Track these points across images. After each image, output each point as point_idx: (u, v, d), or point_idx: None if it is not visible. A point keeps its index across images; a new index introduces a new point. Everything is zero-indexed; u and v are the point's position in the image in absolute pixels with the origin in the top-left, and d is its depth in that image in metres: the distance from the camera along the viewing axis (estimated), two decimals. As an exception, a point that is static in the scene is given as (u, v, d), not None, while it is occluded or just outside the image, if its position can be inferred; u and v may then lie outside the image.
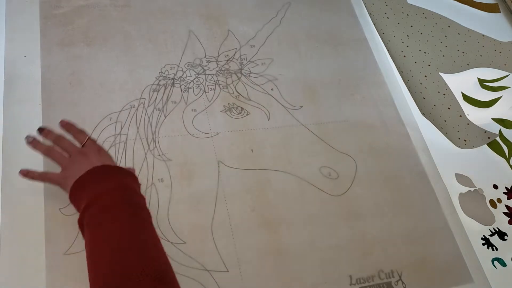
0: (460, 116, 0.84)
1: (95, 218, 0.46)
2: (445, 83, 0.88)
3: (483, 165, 0.79)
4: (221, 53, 0.77)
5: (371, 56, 0.86)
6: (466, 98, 0.87)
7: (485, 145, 0.81)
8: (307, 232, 0.63)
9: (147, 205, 0.60)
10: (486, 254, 0.68)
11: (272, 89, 0.75)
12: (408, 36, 0.93)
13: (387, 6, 0.97)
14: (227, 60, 0.76)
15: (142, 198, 0.51)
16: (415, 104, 0.82)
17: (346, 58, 0.84)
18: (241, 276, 0.58)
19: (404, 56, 0.90)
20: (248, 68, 0.77)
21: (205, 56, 0.76)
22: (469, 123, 0.84)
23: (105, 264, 0.42)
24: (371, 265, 0.63)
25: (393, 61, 0.87)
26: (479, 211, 0.73)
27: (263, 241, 0.61)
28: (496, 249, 0.69)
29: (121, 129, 0.65)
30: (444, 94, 0.86)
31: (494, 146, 0.81)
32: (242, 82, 0.75)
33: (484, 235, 0.70)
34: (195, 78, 0.73)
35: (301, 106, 0.75)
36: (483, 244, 0.70)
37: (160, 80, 0.71)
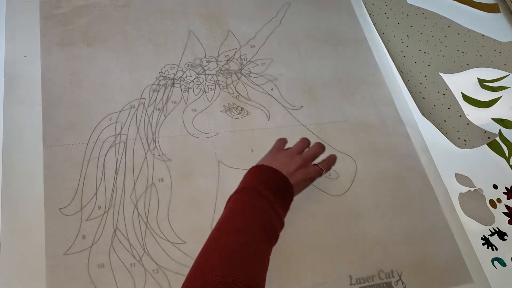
0: (460, 116, 0.84)
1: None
2: (445, 83, 0.88)
3: (483, 165, 0.79)
4: (221, 53, 0.77)
5: (371, 56, 0.86)
6: (466, 98, 0.87)
7: (485, 145, 0.81)
8: (307, 232, 0.63)
9: (148, 204, 0.60)
10: (486, 254, 0.68)
11: (272, 89, 0.76)
12: (408, 36, 0.93)
13: (387, 6, 0.97)
14: (227, 60, 0.76)
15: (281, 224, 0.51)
16: (415, 104, 0.82)
17: (346, 58, 0.84)
18: (241, 276, 0.58)
19: (404, 56, 0.90)
20: (248, 68, 0.77)
21: (205, 56, 0.76)
22: (469, 123, 0.84)
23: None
24: (371, 265, 0.63)
25: (393, 61, 0.87)
26: (479, 211, 0.73)
27: (263, 241, 0.61)
28: (496, 249, 0.69)
29: (121, 129, 0.65)
30: (444, 94, 0.86)
31: (494, 146, 0.81)
32: (242, 82, 0.75)
33: (484, 235, 0.70)
34: (195, 78, 0.73)
35: (301, 106, 0.75)
36: (483, 244, 0.70)
37: (160, 80, 0.71)
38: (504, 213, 0.74)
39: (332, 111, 0.76)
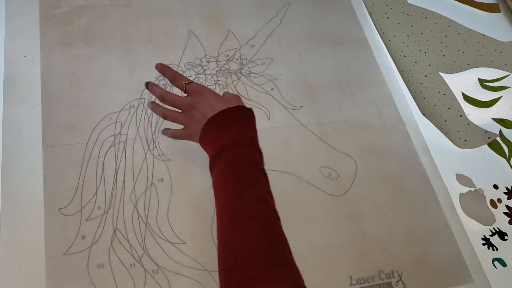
0: (461, 116, 0.84)
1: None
2: (446, 83, 0.88)
3: (484, 165, 0.78)
4: (221, 53, 0.77)
5: (371, 56, 0.85)
6: (467, 98, 0.87)
7: (486, 145, 0.81)
8: (307, 232, 0.63)
9: (147, 205, 0.60)
10: (486, 254, 0.68)
11: (272, 89, 0.75)
12: (408, 36, 0.93)
13: (387, 6, 0.97)
14: (227, 60, 0.76)
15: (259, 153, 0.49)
16: (415, 104, 0.82)
17: (346, 58, 0.84)
18: (241, 276, 0.58)
19: (404, 56, 0.90)
20: (248, 68, 0.76)
21: (205, 56, 0.76)
22: (469, 123, 0.83)
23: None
24: (371, 265, 0.63)
25: (393, 61, 0.87)
26: (480, 211, 0.73)
27: (263, 241, 0.61)
28: (497, 249, 0.69)
29: (121, 129, 0.65)
30: (445, 94, 0.86)
31: (494, 146, 0.81)
32: (242, 82, 0.74)
33: (484, 235, 0.70)
34: (195, 78, 0.73)
35: (301, 106, 0.75)
36: (483, 244, 0.69)
37: (160, 80, 0.70)
38: (505, 213, 0.74)
39: (332, 111, 0.76)
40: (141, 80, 0.70)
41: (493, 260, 0.68)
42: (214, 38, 0.78)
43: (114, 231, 0.57)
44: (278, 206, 0.64)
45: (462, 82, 0.89)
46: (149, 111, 0.67)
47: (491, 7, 1.05)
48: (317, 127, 0.73)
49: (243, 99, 0.72)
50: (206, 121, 0.49)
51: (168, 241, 0.58)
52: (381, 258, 0.64)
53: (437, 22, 0.98)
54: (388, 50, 0.89)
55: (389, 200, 0.69)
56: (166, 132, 0.57)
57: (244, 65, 0.77)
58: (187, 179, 0.63)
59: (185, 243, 0.58)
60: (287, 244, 0.43)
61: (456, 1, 1.03)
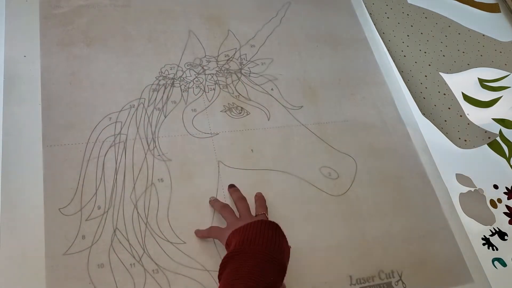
0: (461, 116, 0.84)
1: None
2: (445, 83, 0.88)
3: (484, 165, 0.78)
4: (221, 53, 0.77)
5: (371, 56, 0.86)
6: (467, 98, 0.87)
7: (486, 145, 0.81)
8: (307, 232, 0.63)
9: (147, 204, 0.60)
10: (486, 254, 0.68)
11: (272, 89, 0.75)
12: (408, 36, 0.93)
13: (387, 6, 0.97)
14: (227, 60, 0.76)
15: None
16: (415, 104, 0.82)
17: (346, 58, 0.84)
18: (241, 276, 0.58)
19: (404, 56, 0.90)
20: (248, 68, 0.76)
21: (205, 56, 0.76)
22: (469, 123, 0.83)
23: None
24: (371, 265, 0.63)
25: (393, 61, 0.87)
26: (480, 211, 0.73)
27: (263, 241, 0.61)
28: (497, 249, 0.69)
29: (121, 129, 0.65)
30: (445, 94, 0.86)
31: (494, 146, 0.81)
32: (242, 82, 0.75)
33: (484, 235, 0.70)
34: (195, 78, 0.73)
35: (301, 106, 0.75)
36: (484, 244, 0.69)
37: (160, 80, 0.71)
38: (505, 213, 0.74)
39: (332, 111, 0.76)
40: (141, 80, 0.70)
41: (493, 260, 0.68)
42: (214, 38, 0.78)
43: (114, 231, 0.57)
44: (278, 206, 0.64)
45: (462, 82, 0.89)
46: (149, 111, 0.67)
47: (491, 7, 1.05)
48: (317, 127, 0.73)
49: (243, 99, 0.73)
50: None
51: (168, 241, 0.58)
52: (381, 258, 0.64)
53: (437, 22, 0.98)
54: (388, 50, 0.89)
55: (389, 200, 0.69)
56: (199, 233, 0.60)
57: (244, 65, 0.77)
58: (187, 179, 0.63)
59: (185, 243, 0.58)
60: None
61: (456, 1, 1.03)
